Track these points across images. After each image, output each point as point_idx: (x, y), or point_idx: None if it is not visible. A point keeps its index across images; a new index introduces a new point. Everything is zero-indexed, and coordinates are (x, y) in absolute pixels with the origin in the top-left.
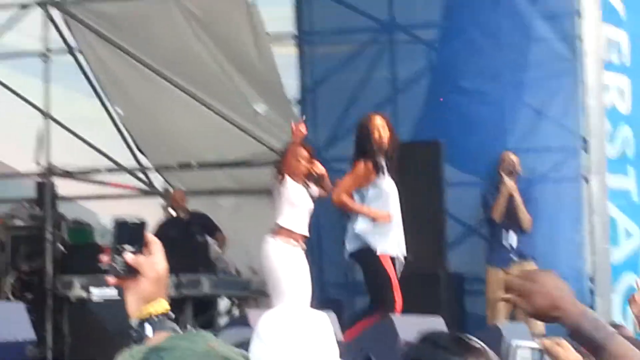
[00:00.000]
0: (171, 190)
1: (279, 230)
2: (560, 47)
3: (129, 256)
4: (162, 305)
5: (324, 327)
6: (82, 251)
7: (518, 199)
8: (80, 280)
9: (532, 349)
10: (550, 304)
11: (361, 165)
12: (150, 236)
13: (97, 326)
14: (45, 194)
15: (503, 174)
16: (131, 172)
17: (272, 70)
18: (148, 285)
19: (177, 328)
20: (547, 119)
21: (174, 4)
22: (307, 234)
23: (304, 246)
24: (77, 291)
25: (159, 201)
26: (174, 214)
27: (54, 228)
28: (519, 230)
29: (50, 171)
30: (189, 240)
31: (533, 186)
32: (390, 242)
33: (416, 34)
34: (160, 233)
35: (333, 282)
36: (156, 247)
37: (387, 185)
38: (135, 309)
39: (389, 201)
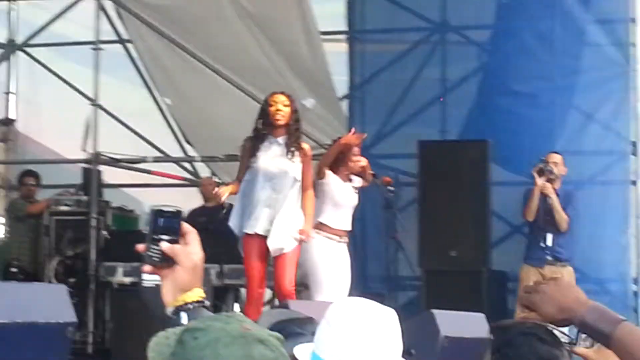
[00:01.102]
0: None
1: (320, 226)
2: (613, 53)
3: (165, 245)
4: (197, 294)
5: (391, 322)
6: (126, 238)
7: (553, 199)
8: (123, 267)
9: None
10: (557, 309)
11: (244, 144)
12: (186, 226)
13: (137, 311)
14: (91, 181)
15: (534, 174)
16: (177, 162)
17: (323, 66)
18: (184, 274)
19: (216, 316)
20: (597, 123)
21: None
22: (349, 228)
23: (347, 240)
24: (119, 277)
25: None
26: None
27: (99, 214)
28: (557, 231)
29: (97, 158)
30: (219, 229)
31: (580, 188)
32: (246, 221)
33: (468, 35)
34: (189, 221)
35: (375, 275)
36: (192, 237)
37: (266, 163)
38: (171, 297)
39: (255, 181)
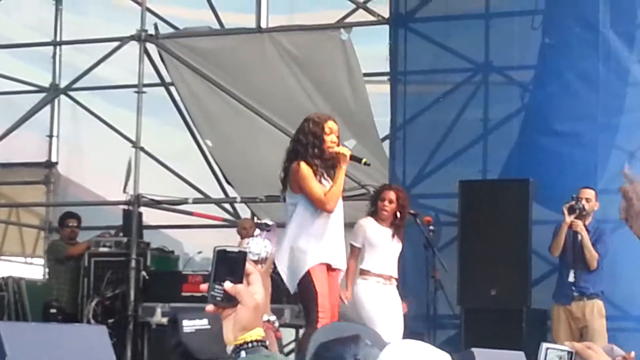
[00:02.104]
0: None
1: (363, 273)
2: None
3: (227, 285)
4: (257, 333)
5: None
6: (165, 278)
7: (584, 237)
8: (161, 307)
9: (563, 350)
10: None
11: (300, 167)
12: (249, 266)
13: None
14: (131, 222)
15: (564, 210)
16: (218, 203)
17: (365, 108)
18: (246, 314)
19: (271, 354)
20: (639, 162)
21: (268, 41)
22: (393, 274)
23: (394, 283)
24: (158, 317)
25: None
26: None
27: (139, 256)
28: (586, 268)
29: (138, 200)
30: None
31: (622, 227)
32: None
33: (511, 75)
34: None
35: (415, 314)
36: (255, 277)
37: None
38: (232, 337)
39: (316, 209)
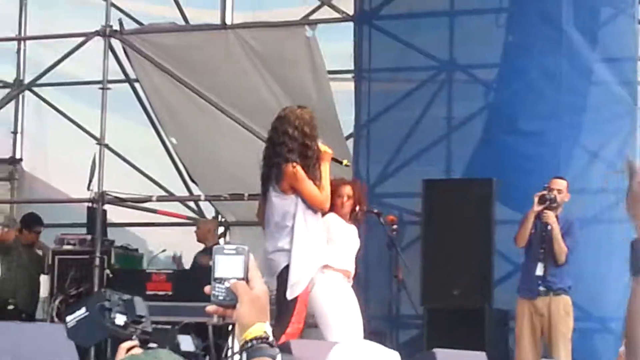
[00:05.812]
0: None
1: (325, 267)
2: (620, 91)
3: (230, 283)
4: (258, 330)
5: None
6: (129, 276)
7: (555, 229)
8: None
9: None
10: None
11: (297, 170)
12: (250, 262)
13: None
14: (95, 220)
15: (535, 199)
16: (182, 201)
17: (330, 105)
18: (244, 310)
19: (276, 354)
20: (602, 161)
21: (233, 37)
22: (351, 269)
23: (350, 281)
24: None
25: None
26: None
27: (103, 253)
28: (553, 262)
29: (102, 198)
30: None
31: (585, 226)
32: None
33: (475, 74)
34: (196, 261)
35: (377, 314)
36: (254, 273)
37: None
38: (240, 337)
39: (312, 209)
